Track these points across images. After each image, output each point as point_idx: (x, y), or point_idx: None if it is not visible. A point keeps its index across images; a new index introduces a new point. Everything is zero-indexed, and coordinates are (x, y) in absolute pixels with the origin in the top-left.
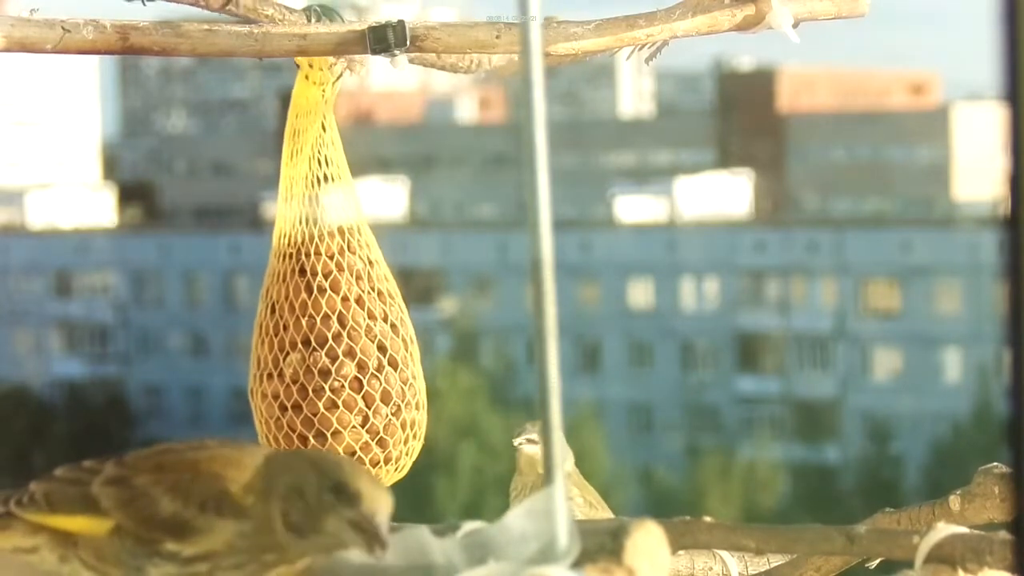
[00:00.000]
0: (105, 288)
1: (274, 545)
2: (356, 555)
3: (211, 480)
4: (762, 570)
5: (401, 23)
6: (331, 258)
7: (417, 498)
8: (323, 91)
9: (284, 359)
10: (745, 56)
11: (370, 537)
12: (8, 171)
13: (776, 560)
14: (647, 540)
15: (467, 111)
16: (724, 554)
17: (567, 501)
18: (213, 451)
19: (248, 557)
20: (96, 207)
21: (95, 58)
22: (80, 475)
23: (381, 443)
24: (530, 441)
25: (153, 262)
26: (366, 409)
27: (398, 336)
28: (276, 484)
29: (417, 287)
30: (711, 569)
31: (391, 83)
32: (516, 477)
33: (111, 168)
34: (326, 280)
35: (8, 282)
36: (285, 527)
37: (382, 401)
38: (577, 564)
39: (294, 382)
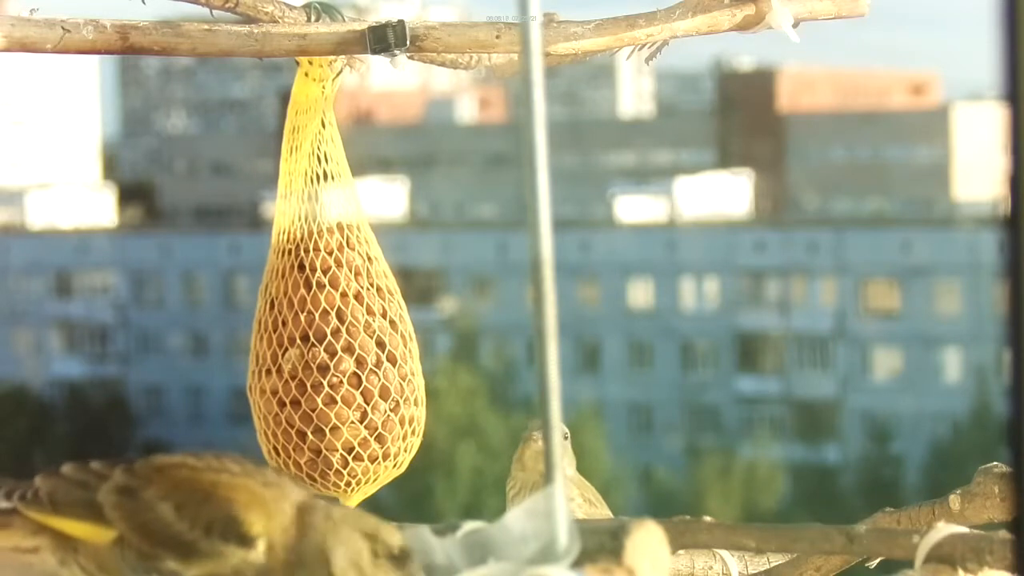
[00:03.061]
0: (105, 288)
1: None
2: None
3: (222, 505)
4: (762, 569)
5: (401, 23)
6: (330, 254)
7: (417, 498)
8: (323, 87)
9: (283, 355)
10: (745, 56)
11: None
12: (8, 171)
13: (776, 559)
14: (647, 540)
15: (467, 111)
16: (724, 554)
17: (567, 502)
18: (234, 479)
19: None
20: (96, 207)
21: (95, 58)
22: (87, 478)
23: (380, 439)
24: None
25: (153, 262)
26: (365, 405)
27: (397, 332)
28: (322, 553)
29: (417, 287)
30: (711, 569)
31: (391, 83)
32: (512, 476)
33: (111, 168)
34: (325, 276)
35: (8, 282)
36: None
37: (381, 397)
38: (577, 564)
39: (292, 378)
